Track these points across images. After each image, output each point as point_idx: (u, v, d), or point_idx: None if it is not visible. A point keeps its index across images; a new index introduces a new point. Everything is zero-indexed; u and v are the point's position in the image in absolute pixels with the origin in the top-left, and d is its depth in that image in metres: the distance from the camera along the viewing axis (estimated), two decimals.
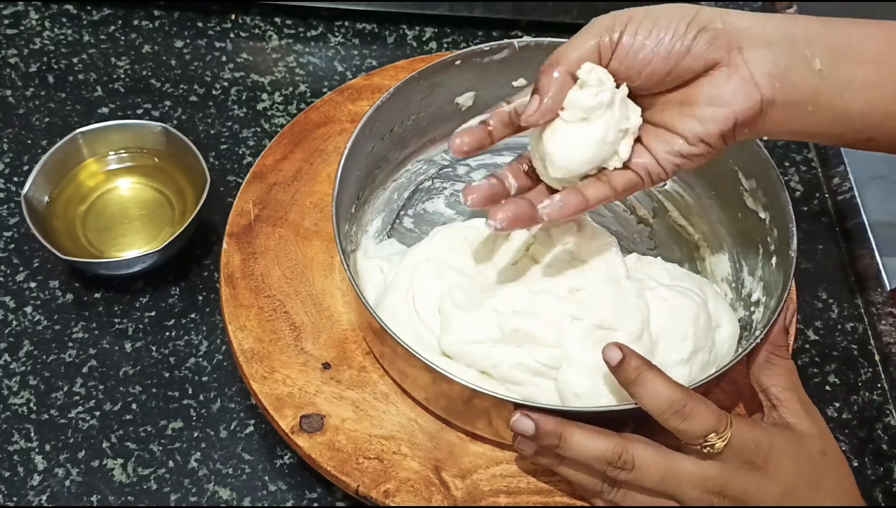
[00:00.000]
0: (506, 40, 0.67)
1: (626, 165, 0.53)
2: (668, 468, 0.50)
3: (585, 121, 0.51)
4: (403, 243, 0.68)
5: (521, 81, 0.71)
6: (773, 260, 0.61)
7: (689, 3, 0.51)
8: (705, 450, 0.49)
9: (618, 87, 0.52)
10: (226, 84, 0.84)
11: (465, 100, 0.70)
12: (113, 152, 0.75)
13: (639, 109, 0.53)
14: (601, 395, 0.54)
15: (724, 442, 0.48)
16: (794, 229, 0.59)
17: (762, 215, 0.64)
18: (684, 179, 0.71)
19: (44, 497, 0.62)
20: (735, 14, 0.51)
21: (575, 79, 0.51)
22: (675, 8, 0.51)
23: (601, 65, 0.51)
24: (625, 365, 0.49)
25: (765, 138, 0.55)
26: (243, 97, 0.84)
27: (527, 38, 0.68)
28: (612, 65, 0.51)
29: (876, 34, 0.51)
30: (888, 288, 0.74)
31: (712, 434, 0.48)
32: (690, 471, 0.50)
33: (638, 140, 0.54)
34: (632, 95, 0.53)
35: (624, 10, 0.51)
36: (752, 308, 0.63)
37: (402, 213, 0.71)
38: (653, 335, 0.57)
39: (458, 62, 0.67)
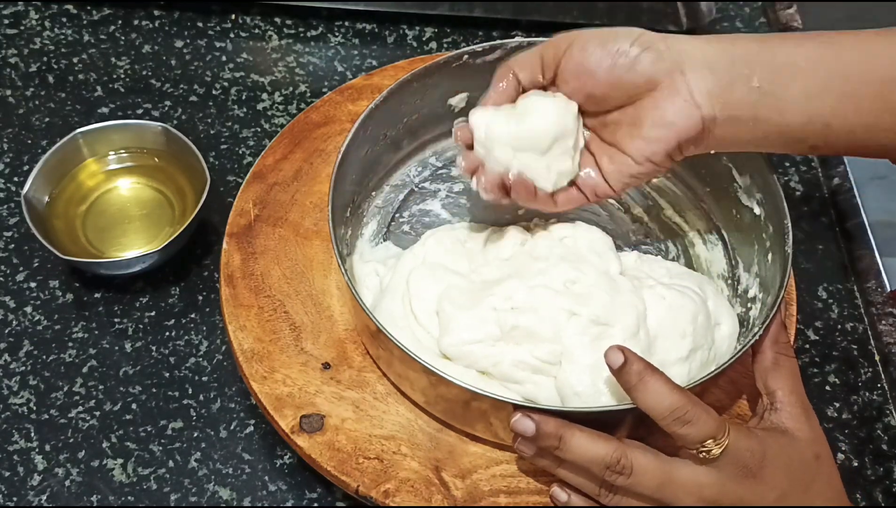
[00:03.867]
0: (498, 41, 0.67)
1: (573, 183, 0.59)
2: (665, 474, 0.50)
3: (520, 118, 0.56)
4: (399, 245, 0.68)
5: None
6: (769, 256, 0.61)
7: (637, 28, 0.55)
8: (701, 455, 0.49)
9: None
10: (226, 84, 0.85)
11: (458, 101, 0.70)
12: (113, 152, 0.75)
13: (583, 130, 0.58)
14: (601, 394, 0.54)
15: (721, 449, 0.49)
16: (790, 224, 0.58)
17: (757, 211, 0.64)
18: (679, 176, 0.71)
19: (44, 497, 0.62)
20: (678, 38, 0.55)
21: (519, 81, 0.57)
22: (623, 29, 0.55)
23: (547, 75, 0.57)
24: (627, 369, 0.49)
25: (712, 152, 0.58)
26: (243, 97, 0.84)
27: (518, 39, 0.68)
28: (561, 74, 0.56)
29: (808, 46, 0.54)
30: (888, 288, 0.74)
31: (710, 441, 0.49)
32: (687, 478, 0.50)
33: (593, 157, 0.58)
34: (584, 114, 0.58)
35: (577, 30, 0.56)
36: (749, 305, 0.63)
37: (397, 216, 0.71)
38: (651, 332, 0.57)
39: (450, 64, 0.67)
